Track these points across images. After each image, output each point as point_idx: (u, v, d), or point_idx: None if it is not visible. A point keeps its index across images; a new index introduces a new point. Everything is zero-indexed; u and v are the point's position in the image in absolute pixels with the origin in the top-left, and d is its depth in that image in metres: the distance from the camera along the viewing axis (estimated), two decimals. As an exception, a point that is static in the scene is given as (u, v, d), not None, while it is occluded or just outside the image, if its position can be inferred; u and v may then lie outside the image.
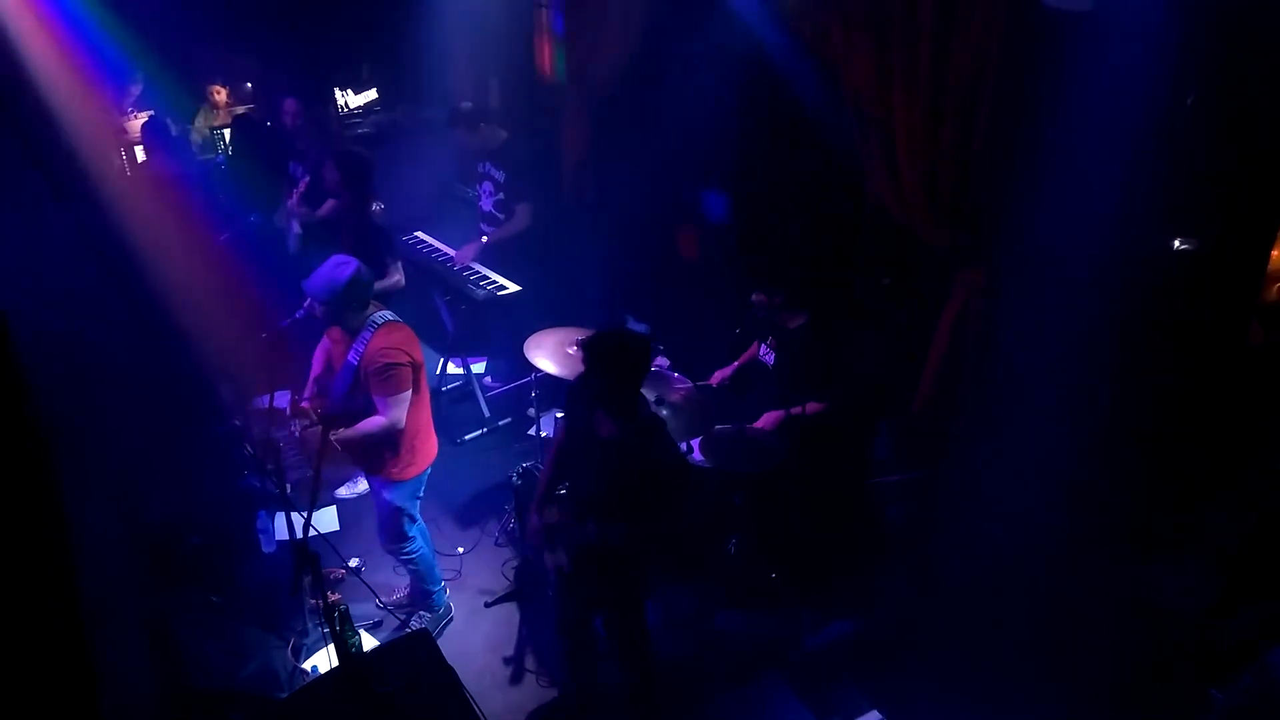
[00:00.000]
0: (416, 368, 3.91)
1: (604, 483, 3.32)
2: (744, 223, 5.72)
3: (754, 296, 4.40)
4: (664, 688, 3.94)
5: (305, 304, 3.88)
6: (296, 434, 3.97)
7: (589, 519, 3.33)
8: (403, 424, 3.88)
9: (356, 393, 3.88)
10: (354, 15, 7.41)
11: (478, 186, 6.07)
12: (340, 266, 3.79)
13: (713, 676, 4.16)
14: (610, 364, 3.11)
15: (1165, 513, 4.14)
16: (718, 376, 4.82)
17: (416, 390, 3.95)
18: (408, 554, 4.29)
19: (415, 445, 4.06)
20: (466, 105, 6.01)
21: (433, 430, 4.22)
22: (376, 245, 5.08)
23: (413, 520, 4.25)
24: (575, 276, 6.49)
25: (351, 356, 3.85)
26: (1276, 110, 3.53)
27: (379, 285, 4.67)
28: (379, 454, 4.02)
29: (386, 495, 4.13)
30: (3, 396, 1.83)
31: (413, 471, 4.11)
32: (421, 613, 4.48)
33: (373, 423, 3.85)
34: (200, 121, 7.78)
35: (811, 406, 4.32)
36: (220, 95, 7.80)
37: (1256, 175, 3.67)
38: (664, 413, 4.29)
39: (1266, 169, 3.64)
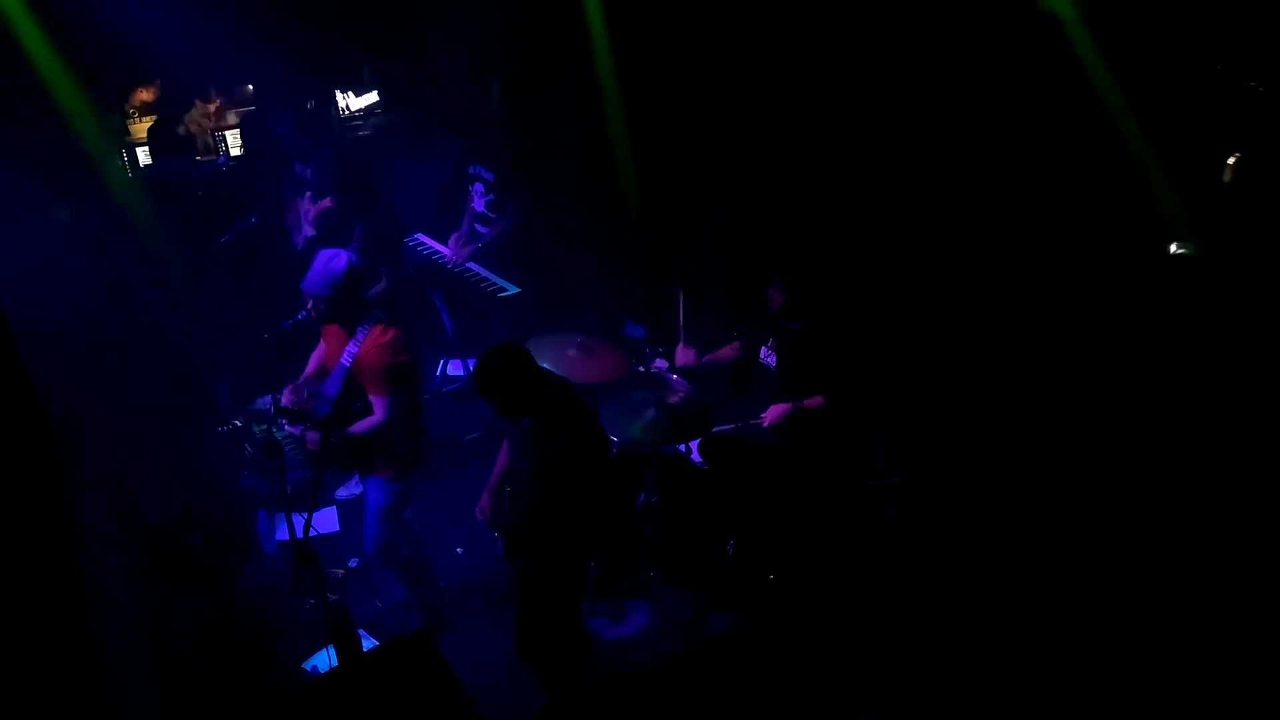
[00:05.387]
0: (410, 368, 3.93)
1: (525, 466, 3.62)
2: (743, 225, 5.74)
3: (771, 290, 4.42)
4: (658, 688, 3.96)
5: (308, 306, 3.89)
6: (297, 434, 3.98)
7: (517, 496, 3.66)
8: (400, 423, 3.89)
9: (351, 394, 3.89)
10: (355, 17, 7.42)
11: (469, 188, 6.14)
12: (333, 259, 3.82)
13: (709, 677, 4.17)
14: (489, 389, 3.41)
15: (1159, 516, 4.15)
16: (680, 357, 4.70)
17: (411, 390, 3.96)
18: (394, 557, 4.30)
19: (408, 446, 4.07)
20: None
21: (426, 431, 4.22)
22: (375, 251, 5.13)
23: (402, 523, 4.25)
24: (574, 278, 6.51)
25: (345, 358, 3.86)
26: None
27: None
28: (372, 454, 4.04)
29: (377, 495, 4.14)
30: (4, 395, 1.84)
31: (405, 473, 4.11)
32: (421, 613, 4.49)
33: (370, 422, 3.87)
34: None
35: (812, 401, 4.36)
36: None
37: (1254, 182, 3.69)
38: (658, 414, 4.32)
39: (1266, 174, 3.66)
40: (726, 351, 4.86)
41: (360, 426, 3.87)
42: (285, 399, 4.05)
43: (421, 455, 4.18)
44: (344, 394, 3.88)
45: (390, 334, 3.88)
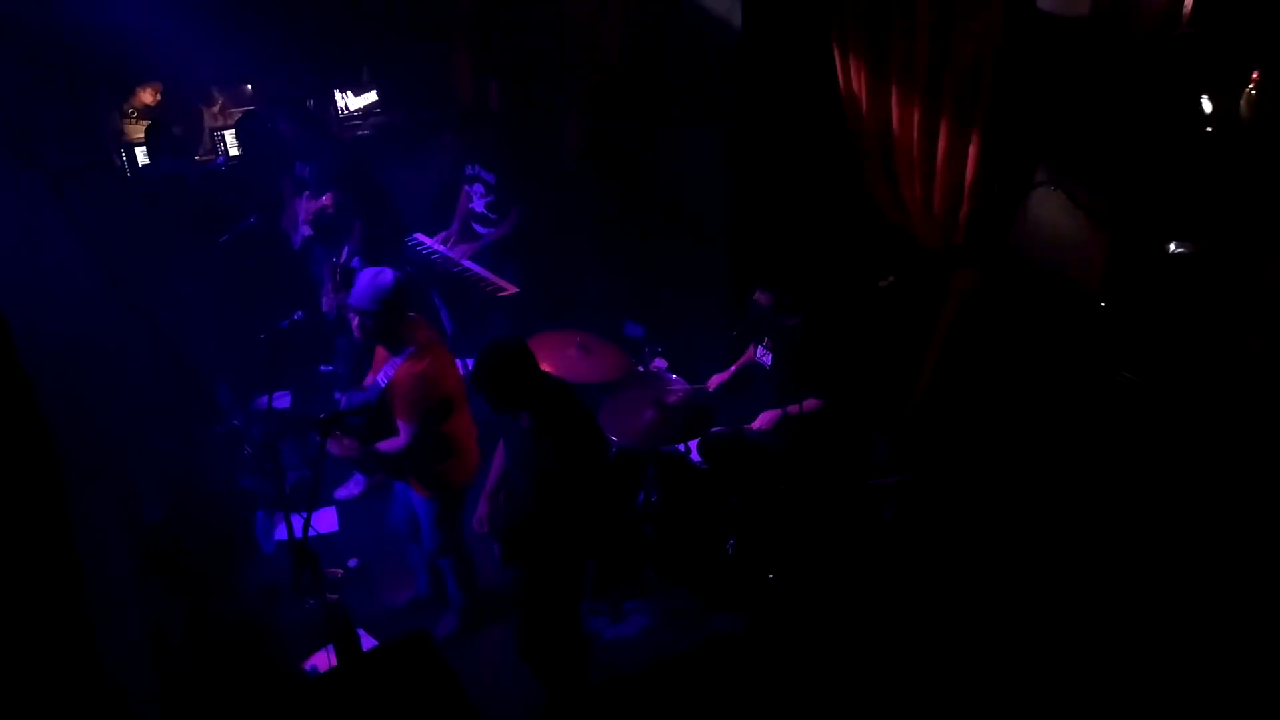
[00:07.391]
0: (449, 397, 3.89)
1: (523, 467, 3.61)
2: (742, 223, 5.74)
3: (757, 295, 4.42)
4: (658, 688, 3.96)
5: (354, 323, 3.85)
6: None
7: (513, 500, 3.66)
8: (430, 448, 3.88)
9: (382, 409, 3.88)
10: (353, 17, 7.42)
11: (468, 188, 6.13)
12: (379, 274, 3.77)
13: (708, 677, 4.17)
14: (486, 384, 3.40)
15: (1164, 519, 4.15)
16: (714, 381, 4.83)
17: (450, 413, 3.94)
18: (445, 558, 4.34)
19: (440, 468, 4.05)
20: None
21: (470, 448, 4.17)
22: (375, 250, 5.16)
23: (451, 529, 4.24)
24: (573, 278, 6.50)
25: (381, 378, 3.85)
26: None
27: None
28: (402, 469, 4.05)
29: (423, 510, 4.15)
30: (4, 396, 1.84)
31: (441, 491, 4.10)
32: (457, 615, 4.53)
33: (392, 444, 3.86)
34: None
35: (808, 404, 4.35)
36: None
37: (1257, 178, 3.68)
38: (657, 413, 4.33)
39: (1267, 172, 3.66)
40: (750, 353, 4.85)
41: (384, 446, 3.87)
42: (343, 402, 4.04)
43: (460, 475, 4.13)
44: (378, 408, 3.86)
45: (422, 364, 3.78)
